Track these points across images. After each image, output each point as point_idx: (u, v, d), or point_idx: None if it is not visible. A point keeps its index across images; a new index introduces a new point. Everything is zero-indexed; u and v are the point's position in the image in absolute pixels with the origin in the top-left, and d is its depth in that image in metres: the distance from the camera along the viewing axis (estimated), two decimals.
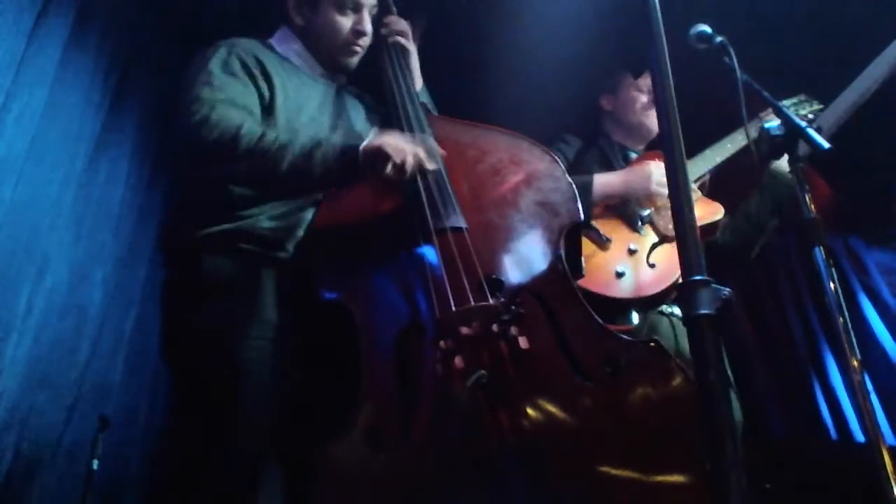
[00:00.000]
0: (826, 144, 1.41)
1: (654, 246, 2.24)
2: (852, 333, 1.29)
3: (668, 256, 2.21)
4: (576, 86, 3.07)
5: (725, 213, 2.34)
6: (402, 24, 1.92)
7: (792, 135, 1.45)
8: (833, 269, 1.35)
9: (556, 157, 1.59)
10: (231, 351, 1.45)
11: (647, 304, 2.15)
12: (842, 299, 1.32)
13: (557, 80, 3.08)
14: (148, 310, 3.05)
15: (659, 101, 0.97)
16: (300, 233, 1.56)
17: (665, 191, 2.23)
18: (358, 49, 1.78)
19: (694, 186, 2.36)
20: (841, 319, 1.30)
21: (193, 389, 1.53)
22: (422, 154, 1.45)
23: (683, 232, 0.89)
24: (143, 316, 3.02)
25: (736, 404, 2.22)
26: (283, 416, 1.49)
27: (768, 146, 1.47)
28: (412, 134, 1.56)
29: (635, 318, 2.12)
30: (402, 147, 1.43)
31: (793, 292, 3.53)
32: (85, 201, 2.60)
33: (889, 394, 2.82)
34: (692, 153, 2.38)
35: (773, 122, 1.49)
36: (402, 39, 1.88)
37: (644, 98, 2.51)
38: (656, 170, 2.27)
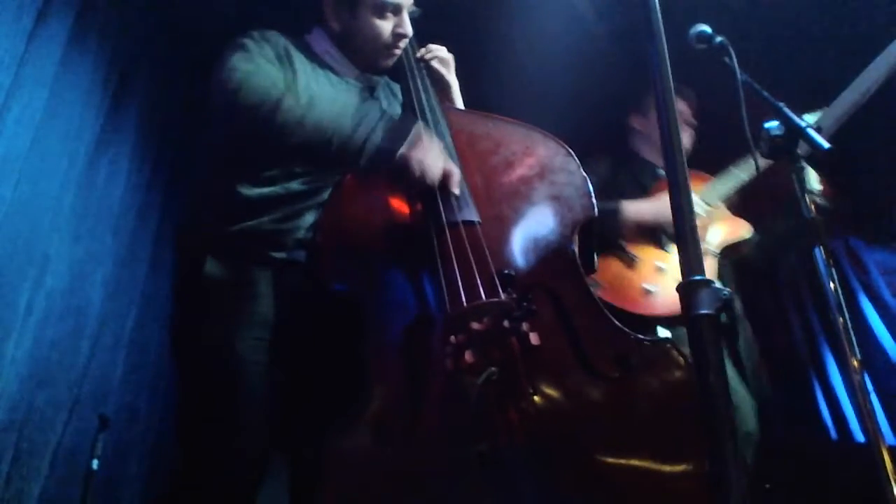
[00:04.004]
0: (826, 144, 1.40)
1: None
2: (852, 333, 1.29)
3: None
4: (574, 84, 3.08)
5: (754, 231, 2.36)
6: (442, 58, 1.85)
7: (792, 135, 1.45)
8: (833, 269, 1.35)
9: (571, 151, 1.56)
10: (231, 351, 1.45)
11: (675, 320, 2.16)
12: (842, 299, 1.32)
13: (557, 80, 3.08)
14: (148, 310, 3.05)
15: (659, 102, 0.97)
16: (300, 234, 1.57)
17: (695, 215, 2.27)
18: (398, 51, 1.76)
19: (721, 205, 2.40)
20: (841, 319, 1.30)
21: (196, 389, 1.54)
22: (449, 175, 1.44)
23: (683, 232, 0.89)
24: (143, 316, 3.03)
25: (753, 413, 2.24)
26: (286, 412, 1.50)
27: (768, 146, 1.47)
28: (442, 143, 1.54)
29: (660, 332, 2.13)
30: (432, 164, 1.42)
31: (793, 292, 3.53)
32: (85, 201, 2.60)
33: (889, 394, 2.81)
34: (715, 169, 2.42)
35: (772, 122, 1.49)
36: (439, 67, 1.83)
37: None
38: None
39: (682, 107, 2.64)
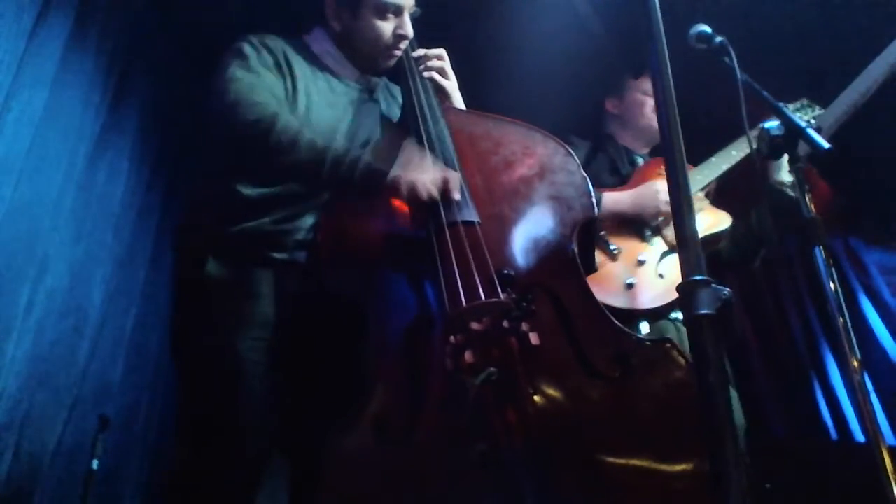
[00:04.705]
0: (826, 144, 1.40)
1: (662, 256, 2.26)
2: (852, 333, 1.29)
3: (677, 266, 2.20)
4: (574, 84, 3.08)
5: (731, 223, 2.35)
6: (440, 61, 1.84)
7: (792, 135, 1.45)
8: (833, 269, 1.35)
9: (571, 151, 1.56)
10: (231, 351, 1.45)
11: (657, 313, 2.15)
12: (842, 299, 1.32)
13: (556, 78, 3.08)
14: (148, 310, 3.05)
15: (659, 102, 0.97)
16: (301, 235, 1.57)
17: None
18: (398, 52, 1.76)
19: (700, 195, 2.36)
20: (841, 319, 1.30)
21: (196, 389, 1.54)
22: (446, 185, 1.43)
23: (683, 232, 0.89)
24: (143, 316, 3.03)
25: (738, 406, 2.23)
26: (287, 412, 1.50)
27: (768, 146, 1.46)
28: (434, 154, 1.52)
29: (644, 327, 2.12)
30: (424, 182, 1.42)
31: (793, 292, 3.53)
32: (85, 201, 2.60)
33: (889, 394, 2.81)
34: (697, 160, 2.39)
35: (772, 122, 1.49)
36: (437, 76, 1.82)
37: (651, 101, 2.49)
38: (663, 185, 2.27)
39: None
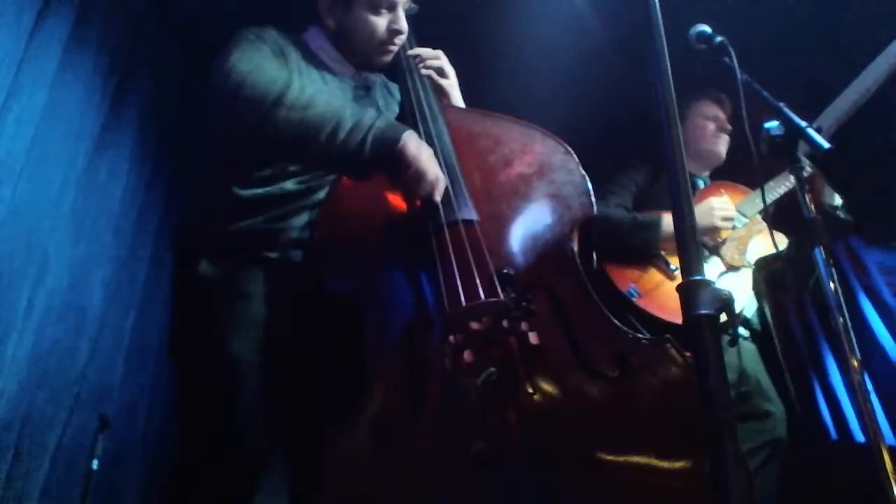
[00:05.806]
0: (826, 144, 1.41)
1: (720, 276, 2.35)
2: (852, 333, 1.29)
3: (735, 285, 2.33)
4: (576, 84, 3.08)
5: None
6: (439, 61, 1.83)
7: (792, 135, 1.45)
8: (833, 269, 1.35)
9: (570, 149, 1.56)
10: (226, 351, 1.45)
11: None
12: (842, 299, 1.32)
13: (555, 78, 3.08)
14: (148, 310, 3.06)
15: (659, 101, 0.97)
16: (294, 234, 1.57)
17: (729, 223, 2.39)
18: (394, 48, 1.75)
19: (758, 217, 2.46)
20: (841, 319, 1.30)
21: (193, 389, 1.54)
22: (438, 185, 1.43)
23: (683, 232, 0.89)
24: (143, 316, 3.03)
25: (782, 421, 2.31)
26: (286, 411, 1.50)
27: (768, 146, 1.47)
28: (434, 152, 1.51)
29: None
30: (429, 164, 1.41)
31: (793, 292, 3.53)
32: (85, 201, 2.60)
33: (889, 394, 2.81)
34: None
35: (772, 122, 1.49)
36: (436, 74, 1.81)
37: (712, 125, 2.66)
38: (718, 204, 2.39)
39: (719, 113, 2.69)
